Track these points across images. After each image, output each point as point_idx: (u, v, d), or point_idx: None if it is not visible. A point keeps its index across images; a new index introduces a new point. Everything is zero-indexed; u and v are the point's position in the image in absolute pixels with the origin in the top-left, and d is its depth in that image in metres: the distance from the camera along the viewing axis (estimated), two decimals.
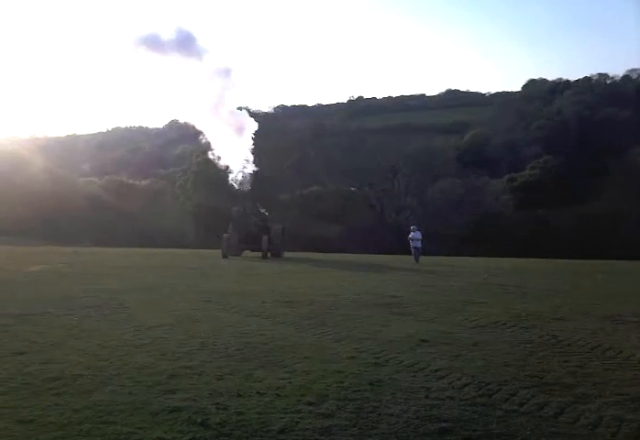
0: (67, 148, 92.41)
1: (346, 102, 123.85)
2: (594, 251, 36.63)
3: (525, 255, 34.60)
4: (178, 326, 8.19)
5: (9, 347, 6.66)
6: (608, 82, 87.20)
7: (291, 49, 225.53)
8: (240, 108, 32.90)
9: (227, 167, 30.53)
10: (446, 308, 10.47)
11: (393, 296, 12.10)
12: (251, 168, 30.19)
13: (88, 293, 11.49)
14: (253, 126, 30.84)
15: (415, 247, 24.30)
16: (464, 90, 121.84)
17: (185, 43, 29.86)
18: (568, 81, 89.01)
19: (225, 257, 25.70)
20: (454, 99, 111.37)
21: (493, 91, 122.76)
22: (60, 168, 61.83)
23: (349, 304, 10.75)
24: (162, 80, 34.44)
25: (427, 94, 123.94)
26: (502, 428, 4.29)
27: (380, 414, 4.55)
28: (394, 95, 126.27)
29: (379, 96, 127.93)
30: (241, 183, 30.04)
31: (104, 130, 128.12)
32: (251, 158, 30.15)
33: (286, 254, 28.37)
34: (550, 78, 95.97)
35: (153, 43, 29.45)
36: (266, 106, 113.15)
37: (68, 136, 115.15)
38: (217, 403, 4.73)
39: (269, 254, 26.70)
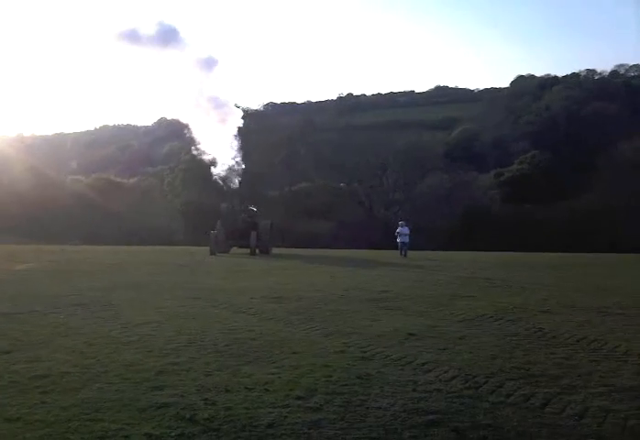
0: (54, 146, 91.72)
1: (335, 99, 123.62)
2: (582, 245, 36.94)
3: (512, 249, 34.86)
4: (166, 323, 8.17)
5: None
6: (596, 77, 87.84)
7: (280, 46, 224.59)
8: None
9: (213, 160, 30.39)
10: (433, 302, 10.53)
11: (382, 291, 12.15)
12: (238, 163, 30.12)
13: (75, 291, 11.43)
14: (237, 115, 30.73)
15: (403, 242, 24.85)
16: (453, 86, 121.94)
17: (167, 36, 29.78)
18: (556, 76, 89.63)
19: (213, 253, 25.61)
20: (443, 95, 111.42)
21: (482, 87, 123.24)
22: (48, 166, 61.39)
23: (338, 300, 10.78)
24: (148, 75, 34.38)
25: (417, 91, 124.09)
26: (489, 419, 4.31)
27: (368, 408, 4.57)
28: (384, 92, 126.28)
29: (368, 93, 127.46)
30: (225, 178, 29.92)
31: (92, 128, 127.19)
32: (239, 153, 30.06)
33: (274, 250, 28.32)
34: (538, 74, 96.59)
35: (135, 37, 29.37)
36: (255, 104, 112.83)
37: (55, 134, 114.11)
38: (205, 399, 4.72)
39: (257, 250, 26.65)
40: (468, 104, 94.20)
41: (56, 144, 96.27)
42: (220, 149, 29.56)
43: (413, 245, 26.23)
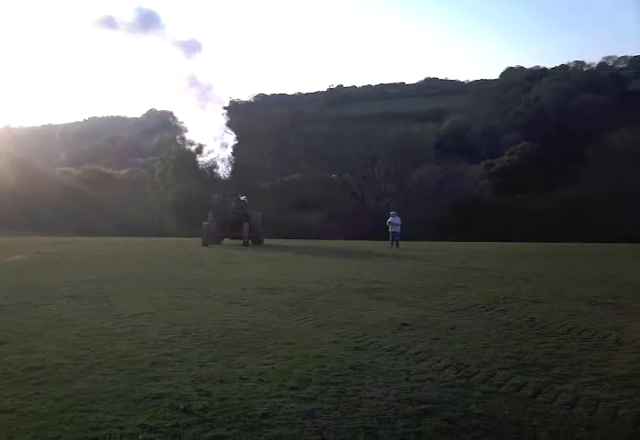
0: (43, 137, 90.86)
1: (326, 90, 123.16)
2: (572, 235, 37.18)
3: (503, 239, 35.05)
4: (159, 314, 8.17)
5: None
6: (584, 69, 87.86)
7: (270, 38, 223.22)
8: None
9: (199, 147, 30.26)
10: (426, 292, 10.58)
11: (374, 281, 12.20)
12: (230, 155, 30.02)
13: (67, 283, 11.41)
14: (224, 100, 30.61)
15: (394, 232, 24.92)
16: (443, 78, 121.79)
17: (148, 21, 29.61)
18: (545, 68, 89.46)
19: (205, 245, 25.61)
20: (433, 87, 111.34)
21: (472, 79, 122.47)
22: (36, 158, 60.89)
23: (331, 290, 10.80)
24: (136, 64, 34.28)
25: (407, 83, 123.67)
26: (481, 409, 4.35)
27: (361, 398, 4.60)
28: (374, 84, 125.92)
29: (358, 84, 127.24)
30: (212, 167, 29.81)
31: (81, 120, 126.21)
32: (225, 145, 29.93)
33: (266, 241, 28.34)
34: (528, 66, 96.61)
35: (114, 23, 29.19)
36: (246, 95, 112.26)
37: (44, 126, 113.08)
38: (200, 390, 4.73)
39: (250, 242, 26.66)
40: (458, 95, 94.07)
41: (44, 135, 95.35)
42: (205, 137, 29.49)
43: (405, 235, 26.31)
